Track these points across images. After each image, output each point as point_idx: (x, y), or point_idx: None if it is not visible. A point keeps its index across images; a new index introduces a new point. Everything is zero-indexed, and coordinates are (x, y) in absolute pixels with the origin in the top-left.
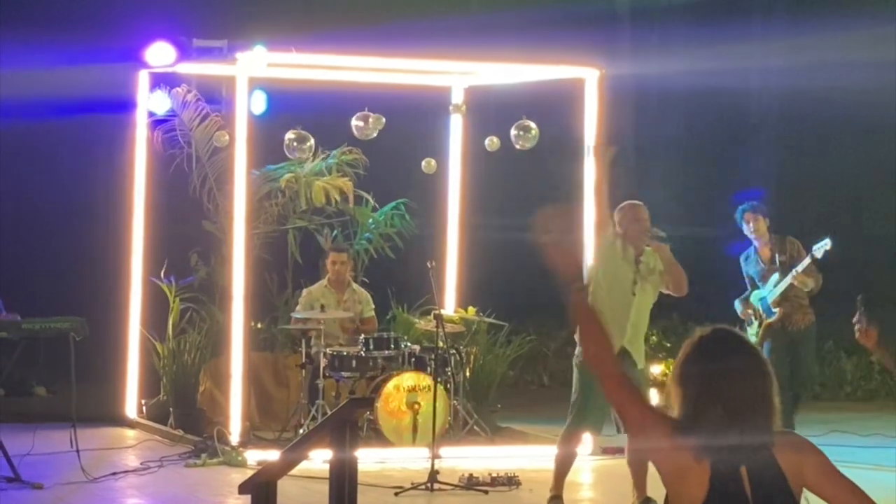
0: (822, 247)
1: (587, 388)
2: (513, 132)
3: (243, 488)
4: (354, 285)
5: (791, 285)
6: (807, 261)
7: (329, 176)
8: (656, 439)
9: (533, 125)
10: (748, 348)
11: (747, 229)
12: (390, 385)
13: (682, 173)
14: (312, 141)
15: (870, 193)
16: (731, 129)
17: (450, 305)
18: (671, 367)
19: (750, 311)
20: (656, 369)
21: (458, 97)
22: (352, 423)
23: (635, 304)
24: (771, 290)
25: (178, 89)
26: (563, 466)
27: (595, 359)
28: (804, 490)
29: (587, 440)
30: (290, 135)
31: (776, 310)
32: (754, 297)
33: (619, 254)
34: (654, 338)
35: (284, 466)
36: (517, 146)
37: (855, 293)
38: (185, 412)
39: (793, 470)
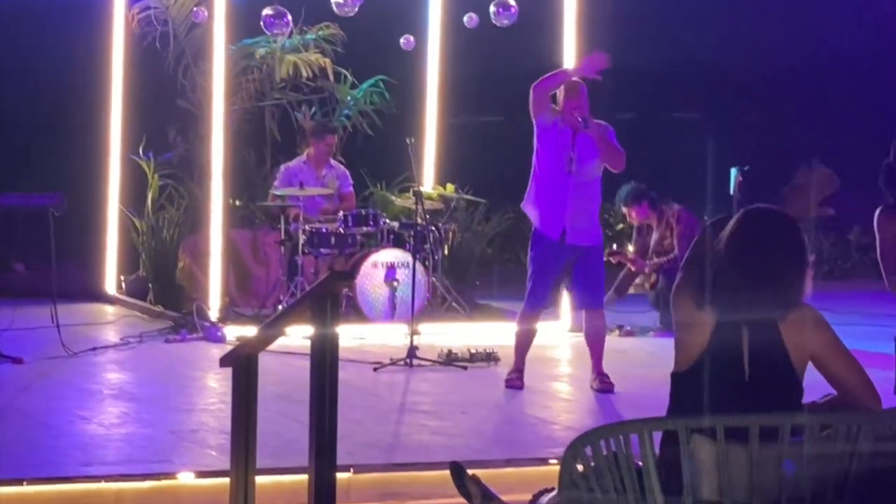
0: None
1: (538, 265)
2: (492, 8)
3: (224, 361)
4: (332, 161)
5: None
6: None
7: (306, 52)
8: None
9: (512, 2)
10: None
11: None
12: (369, 261)
13: None
14: (290, 16)
15: None
16: None
17: (428, 182)
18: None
19: None
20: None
21: None
22: (333, 296)
23: (573, 182)
24: None
25: None
26: (522, 345)
27: None
28: None
29: (566, 316)
30: (267, 10)
31: None
32: None
33: (557, 132)
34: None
35: (266, 339)
36: (496, 23)
37: None
38: (163, 288)
39: (797, 344)
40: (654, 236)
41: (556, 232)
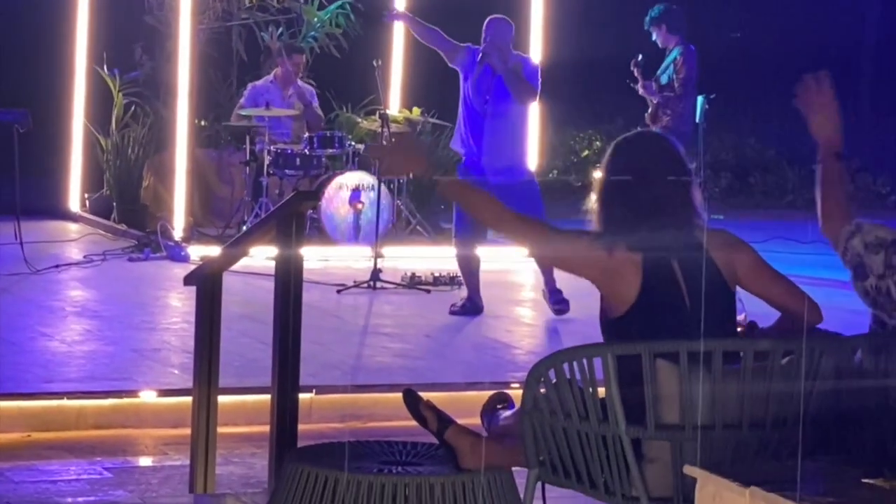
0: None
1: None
2: None
3: (189, 280)
4: (299, 81)
5: None
6: None
7: None
8: (581, 250)
9: None
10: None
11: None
12: (334, 183)
13: None
14: None
15: None
16: None
17: (394, 105)
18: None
19: None
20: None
21: None
22: (298, 216)
23: (490, 119)
24: None
25: None
26: (467, 271)
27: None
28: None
29: None
30: None
31: None
32: None
33: (472, 69)
34: (597, 143)
35: (230, 258)
36: None
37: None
38: (128, 207)
39: (725, 265)
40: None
41: (479, 167)
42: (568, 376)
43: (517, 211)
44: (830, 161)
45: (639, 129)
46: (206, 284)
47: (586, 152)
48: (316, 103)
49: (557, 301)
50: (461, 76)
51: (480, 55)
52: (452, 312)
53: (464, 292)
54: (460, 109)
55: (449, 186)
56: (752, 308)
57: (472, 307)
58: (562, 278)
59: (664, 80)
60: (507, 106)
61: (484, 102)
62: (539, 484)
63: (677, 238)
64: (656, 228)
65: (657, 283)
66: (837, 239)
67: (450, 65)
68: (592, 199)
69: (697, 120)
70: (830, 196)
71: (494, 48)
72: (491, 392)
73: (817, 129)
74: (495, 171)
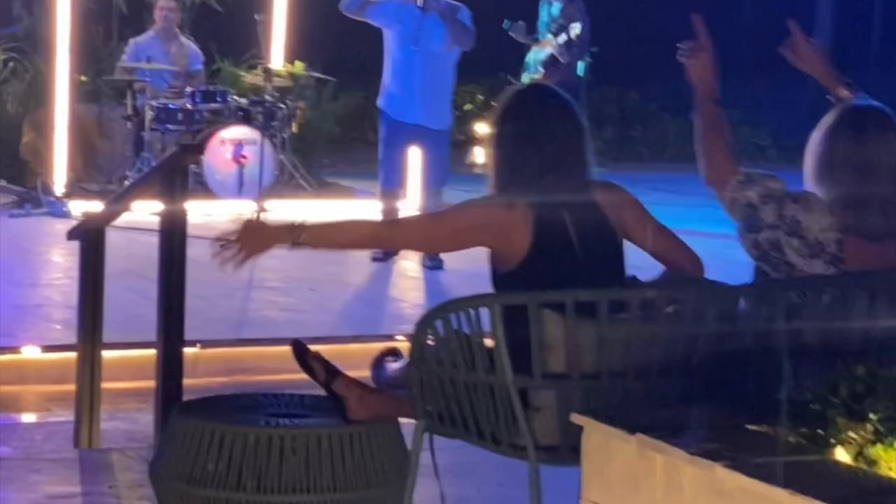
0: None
1: (385, 144)
2: None
3: (72, 234)
4: (182, 38)
5: None
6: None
7: None
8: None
9: None
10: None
11: None
12: (216, 138)
13: None
14: None
15: None
16: None
17: (277, 59)
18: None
19: None
20: (481, 128)
21: None
22: (182, 170)
23: (418, 62)
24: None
25: None
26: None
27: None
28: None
29: (414, 196)
30: None
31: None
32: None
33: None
34: (479, 96)
35: (115, 212)
36: None
37: None
38: (7, 163)
39: (615, 217)
40: None
41: (401, 111)
42: (455, 327)
43: (432, 160)
44: (709, 106)
45: (529, 82)
46: (90, 239)
47: (468, 106)
48: (201, 69)
49: (432, 258)
50: (385, 29)
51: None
52: (375, 259)
53: None
54: (386, 64)
55: (313, 239)
56: (632, 261)
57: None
58: None
59: (562, 38)
60: (439, 48)
61: (414, 46)
62: (427, 435)
63: (569, 191)
64: (552, 182)
65: (548, 237)
66: (723, 189)
67: (373, 22)
68: (486, 154)
69: (581, 73)
70: (713, 143)
71: None
72: (379, 345)
73: (694, 73)
74: (428, 115)
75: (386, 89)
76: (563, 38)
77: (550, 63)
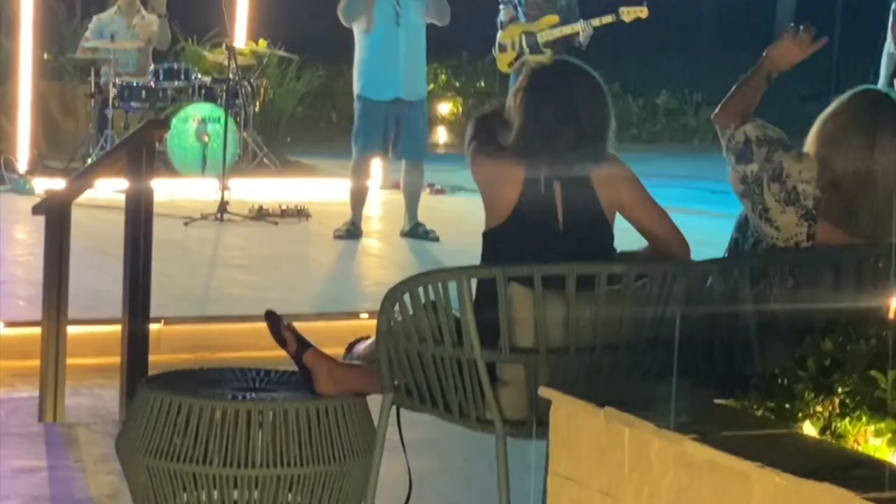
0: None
1: (362, 117)
2: None
3: (37, 209)
4: (144, 12)
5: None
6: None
7: None
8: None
9: None
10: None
11: None
12: (180, 115)
13: None
14: None
15: None
16: None
17: (240, 38)
18: (457, 106)
19: None
20: (444, 108)
21: None
22: (148, 146)
23: (402, 38)
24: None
25: None
26: (356, 197)
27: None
28: None
29: (377, 174)
30: None
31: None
32: None
33: None
34: (442, 76)
35: (80, 188)
36: None
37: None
38: None
39: (608, 195)
40: None
41: (380, 90)
42: (423, 300)
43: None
44: (762, 79)
45: (561, 58)
46: (55, 214)
47: (431, 86)
48: (167, 37)
49: (426, 231)
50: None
51: None
52: (338, 237)
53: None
54: (362, 46)
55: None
56: (636, 238)
57: (354, 231)
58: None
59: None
60: (418, 20)
61: (397, 24)
62: (394, 409)
63: (571, 160)
64: (567, 153)
65: (533, 202)
66: (726, 127)
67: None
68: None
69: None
70: (741, 100)
71: None
72: (343, 323)
73: (783, 52)
74: (406, 87)
75: (363, 74)
76: (596, 22)
77: (562, 44)
